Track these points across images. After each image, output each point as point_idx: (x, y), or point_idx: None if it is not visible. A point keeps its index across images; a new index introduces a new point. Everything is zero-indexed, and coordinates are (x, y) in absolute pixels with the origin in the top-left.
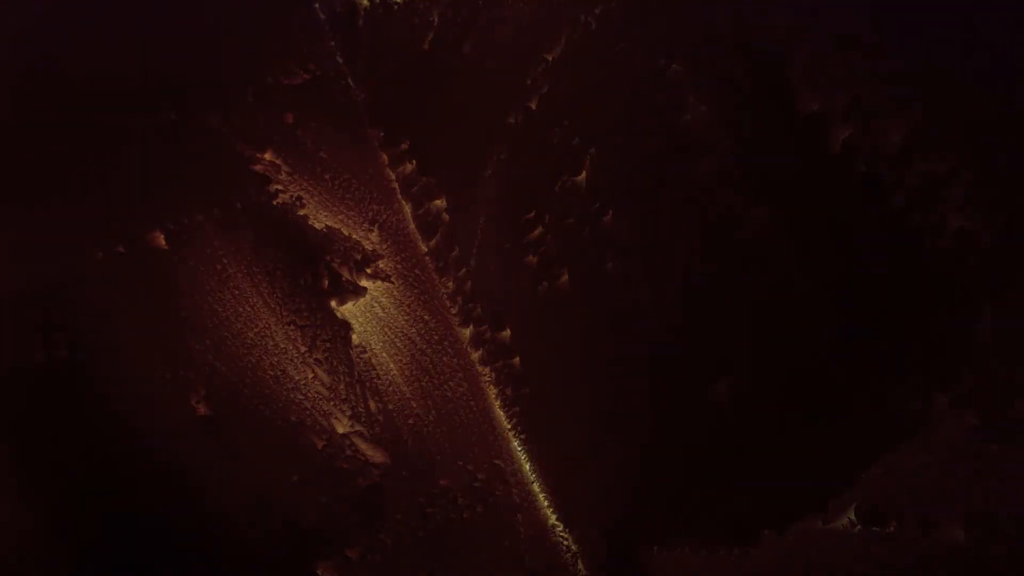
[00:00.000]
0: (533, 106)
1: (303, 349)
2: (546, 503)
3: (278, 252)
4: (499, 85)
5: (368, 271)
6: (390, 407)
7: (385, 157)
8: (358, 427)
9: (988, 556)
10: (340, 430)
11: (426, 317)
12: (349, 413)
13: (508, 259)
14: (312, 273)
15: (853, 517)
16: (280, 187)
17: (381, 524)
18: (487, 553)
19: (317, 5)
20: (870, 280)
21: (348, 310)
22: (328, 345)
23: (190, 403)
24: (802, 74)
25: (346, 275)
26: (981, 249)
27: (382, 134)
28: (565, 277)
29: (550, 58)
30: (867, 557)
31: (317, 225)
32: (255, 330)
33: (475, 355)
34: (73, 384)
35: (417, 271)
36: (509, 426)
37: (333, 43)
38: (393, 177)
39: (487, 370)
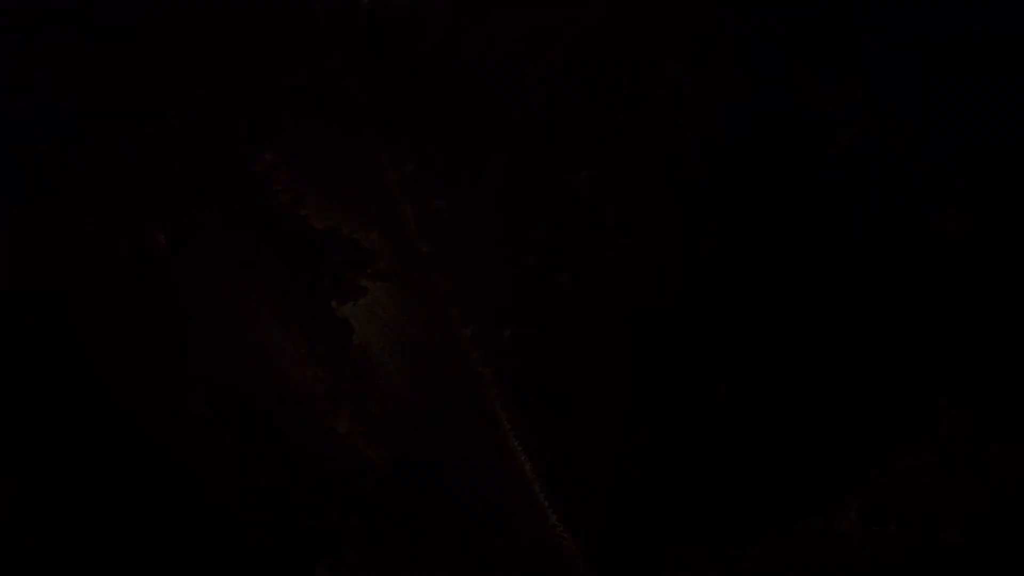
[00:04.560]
0: (533, 106)
1: (303, 349)
2: (546, 503)
3: (278, 252)
4: (499, 85)
5: (368, 271)
6: (390, 407)
7: (385, 157)
8: (358, 427)
9: (988, 556)
10: (340, 430)
11: (426, 317)
12: (349, 413)
13: (508, 259)
14: (312, 273)
15: (853, 517)
16: (280, 187)
17: (381, 524)
18: (487, 553)
19: (317, 5)
20: (871, 280)
21: (348, 310)
22: (328, 345)
23: (190, 403)
24: (802, 75)
25: (346, 275)
26: (981, 249)
27: (382, 134)
28: (565, 277)
29: (550, 58)
30: (867, 557)
31: (317, 225)
32: (255, 330)
33: (475, 355)
34: (72, 385)
35: (417, 271)
36: (509, 426)
37: (333, 43)
38: (393, 177)
39: (487, 370)
